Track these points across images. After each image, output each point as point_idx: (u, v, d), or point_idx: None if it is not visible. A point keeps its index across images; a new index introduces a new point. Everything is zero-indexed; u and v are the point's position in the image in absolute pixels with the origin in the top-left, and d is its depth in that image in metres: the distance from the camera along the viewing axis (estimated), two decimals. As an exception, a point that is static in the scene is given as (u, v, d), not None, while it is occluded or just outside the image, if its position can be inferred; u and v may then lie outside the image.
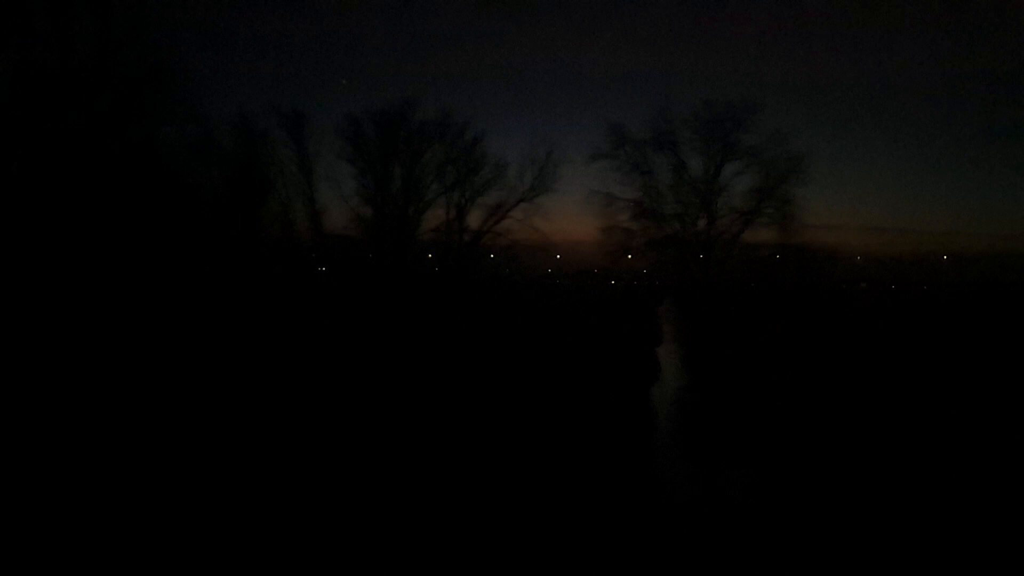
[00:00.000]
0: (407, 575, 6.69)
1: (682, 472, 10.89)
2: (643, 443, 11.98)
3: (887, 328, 30.46)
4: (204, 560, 6.62)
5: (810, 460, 10.88)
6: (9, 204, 20.82)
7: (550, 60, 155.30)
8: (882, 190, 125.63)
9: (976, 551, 7.31)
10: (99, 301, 21.23)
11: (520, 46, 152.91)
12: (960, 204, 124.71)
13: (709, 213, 42.66)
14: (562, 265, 72.69)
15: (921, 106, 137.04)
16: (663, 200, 43.40)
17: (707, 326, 34.04)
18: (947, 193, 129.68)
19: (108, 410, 11.62)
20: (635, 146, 42.82)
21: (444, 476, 9.15)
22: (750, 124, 41.28)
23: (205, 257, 32.11)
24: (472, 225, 48.16)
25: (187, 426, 11.00)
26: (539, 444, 11.11)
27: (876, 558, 7.20)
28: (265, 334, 21.63)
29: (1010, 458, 10.41)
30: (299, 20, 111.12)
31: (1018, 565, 7.19)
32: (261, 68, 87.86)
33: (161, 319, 21.47)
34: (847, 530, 7.91)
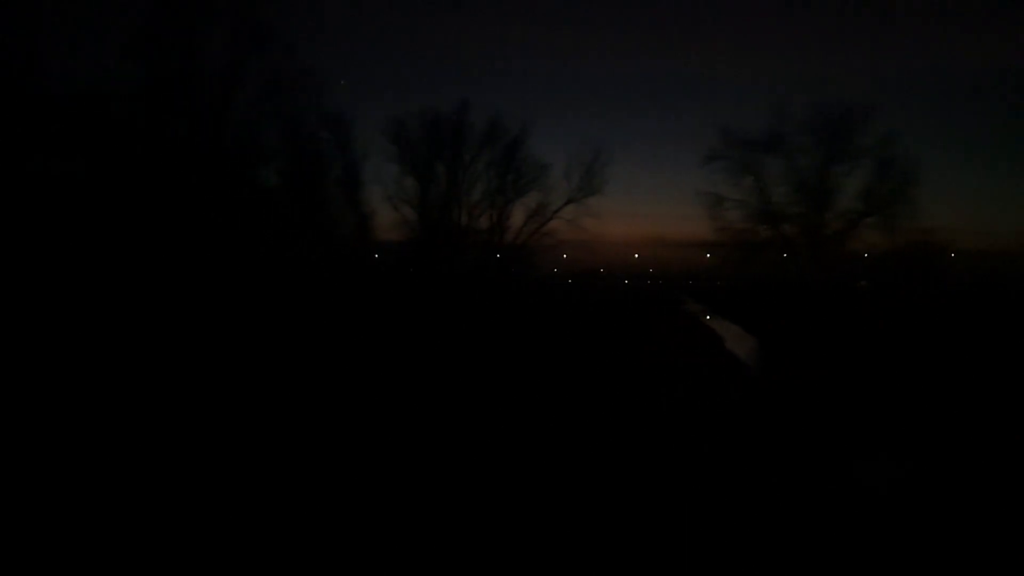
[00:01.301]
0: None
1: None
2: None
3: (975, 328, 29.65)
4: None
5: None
6: (130, 204, 21.36)
7: (600, 63, 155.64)
8: (1001, 191, 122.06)
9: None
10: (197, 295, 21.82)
11: (573, 50, 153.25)
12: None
13: (819, 214, 42.73)
14: (566, 264, 72.43)
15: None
16: (773, 200, 43.68)
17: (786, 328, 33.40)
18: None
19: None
20: (746, 147, 43.23)
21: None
22: (863, 125, 41.47)
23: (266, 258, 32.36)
24: (517, 226, 48.36)
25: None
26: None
27: None
28: (326, 331, 22.10)
29: None
30: (344, 18, 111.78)
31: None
32: (307, 67, 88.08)
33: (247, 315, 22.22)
34: None
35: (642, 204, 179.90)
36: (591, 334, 27.56)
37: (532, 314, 35.29)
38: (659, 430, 11.29)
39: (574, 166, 47.31)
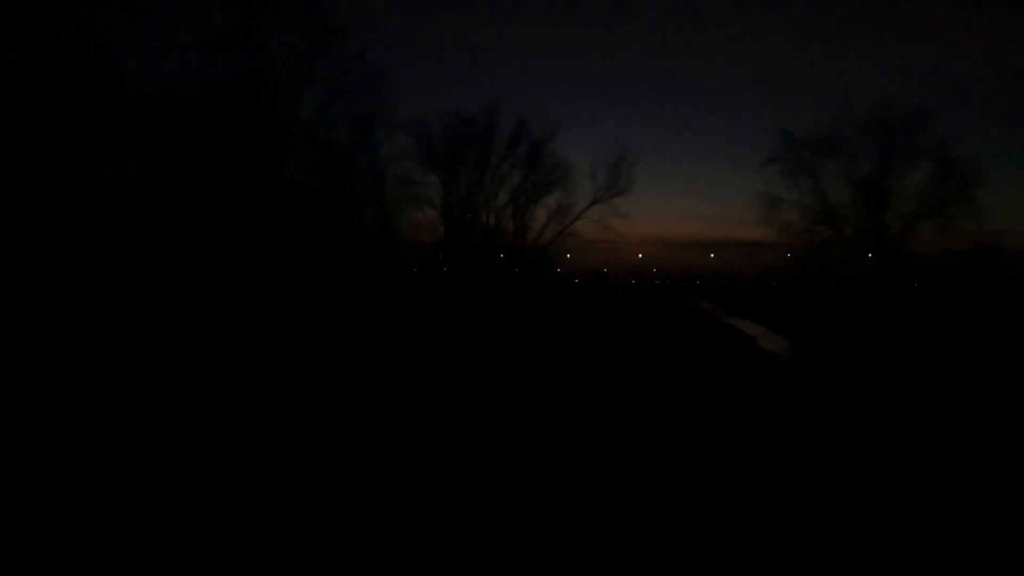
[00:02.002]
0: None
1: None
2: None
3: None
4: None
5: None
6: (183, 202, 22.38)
7: (605, 64, 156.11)
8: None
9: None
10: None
11: (588, 50, 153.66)
12: None
13: (878, 215, 42.73)
14: (569, 265, 72.00)
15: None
16: (831, 202, 43.79)
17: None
18: None
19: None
20: (804, 148, 43.68)
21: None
22: (922, 126, 41.50)
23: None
24: (541, 226, 48.90)
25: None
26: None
27: None
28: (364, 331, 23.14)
29: None
30: (369, 19, 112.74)
31: None
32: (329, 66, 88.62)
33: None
34: None
35: (643, 204, 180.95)
36: (603, 334, 27.86)
37: (547, 314, 35.60)
38: (684, 427, 11.35)
39: (599, 166, 47.62)
